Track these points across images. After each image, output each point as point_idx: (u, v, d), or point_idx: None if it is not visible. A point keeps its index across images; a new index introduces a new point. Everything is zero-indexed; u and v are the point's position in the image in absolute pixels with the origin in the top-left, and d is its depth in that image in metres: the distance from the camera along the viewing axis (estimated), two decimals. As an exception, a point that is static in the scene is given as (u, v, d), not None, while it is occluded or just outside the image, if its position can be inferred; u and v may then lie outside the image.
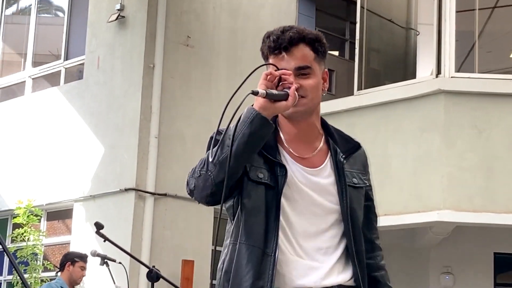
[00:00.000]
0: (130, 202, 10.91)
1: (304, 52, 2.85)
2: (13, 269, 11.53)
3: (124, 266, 6.61)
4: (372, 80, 12.35)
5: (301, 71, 2.85)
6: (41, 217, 11.80)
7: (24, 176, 12.28)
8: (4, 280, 12.39)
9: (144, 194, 10.96)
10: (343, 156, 3.02)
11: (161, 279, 5.69)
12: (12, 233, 11.39)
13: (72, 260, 7.65)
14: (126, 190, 10.93)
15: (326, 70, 2.95)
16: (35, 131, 12.42)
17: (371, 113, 11.20)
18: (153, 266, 5.86)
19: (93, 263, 7.77)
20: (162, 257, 10.84)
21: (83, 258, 7.60)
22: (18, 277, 11.17)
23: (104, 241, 6.01)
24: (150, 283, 5.86)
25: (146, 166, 11.03)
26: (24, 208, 11.43)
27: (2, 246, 3.18)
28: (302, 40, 2.85)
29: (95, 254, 7.08)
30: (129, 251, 10.51)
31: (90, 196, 11.45)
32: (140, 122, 10.98)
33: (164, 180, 11.09)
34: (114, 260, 6.72)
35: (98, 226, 6.06)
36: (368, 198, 3.12)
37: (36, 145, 12.33)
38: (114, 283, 6.96)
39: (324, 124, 3.11)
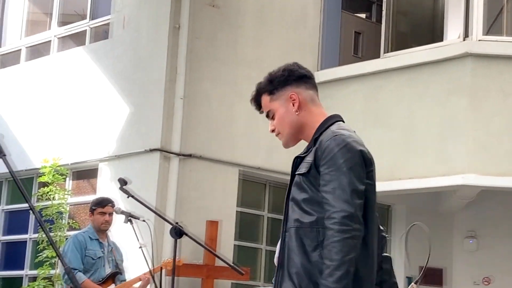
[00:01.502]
0: (155, 162, 10.99)
1: (263, 102, 3.52)
2: (39, 227, 11.73)
3: (149, 224, 6.64)
4: (399, 42, 12.33)
5: (268, 116, 3.53)
6: (66, 176, 11.92)
7: (50, 135, 12.38)
8: (30, 238, 12.58)
9: (169, 155, 11.02)
10: (301, 156, 3.38)
11: (185, 236, 5.68)
12: (38, 191, 11.52)
13: (91, 209, 7.71)
14: (151, 150, 11.00)
15: (291, 93, 3.42)
16: (61, 91, 12.51)
17: (397, 76, 11.21)
18: (176, 223, 5.88)
19: (118, 221, 7.82)
20: (187, 217, 10.92)
21: (101, 203, 7.58)
22: (44, 235, 11.39)
23: (128, 197, 6.04)
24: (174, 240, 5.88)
25: (172, 127, 11.08)
26: (50, 167, 11.56)
27: (28, 203, 3.25)
28: (259, 95, 3.53)
29: (119, 211, 7.12)
30: (152, 221, 10.68)
31: (115, 156, 11.54)
32: (166, 83, 11.02)
33: (189, 141, 11.15)
34: (138, 218, 6.76)
35: (122, 182, 6.08)
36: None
37: (62, 105, 12.42)
38: (138, 241, 6.98)
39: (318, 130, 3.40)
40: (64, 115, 12.33)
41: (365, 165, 3.23)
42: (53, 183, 11.55)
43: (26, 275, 12.54)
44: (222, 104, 11.27)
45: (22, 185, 3.22)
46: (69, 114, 12.28)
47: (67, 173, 11.87)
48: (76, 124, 12.13)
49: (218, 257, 8.40)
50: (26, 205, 12.34)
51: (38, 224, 11.65)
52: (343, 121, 3.47)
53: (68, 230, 11.57)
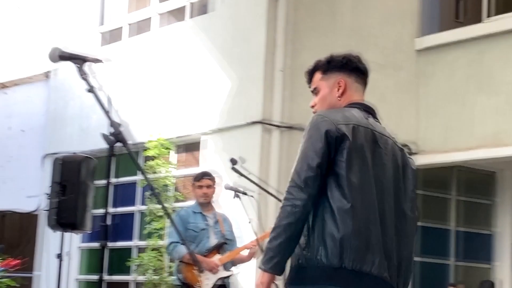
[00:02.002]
0: (256, 134, 11.08)
1: (315, 78, 3.79)
2: (146, 199, 12.06)
3: (255, 198, 6.71)
4: (503, 5, 12.01)
5: (313, 91, 3.81)
6: (171, 149, 12.18)
7: (154, 110, 12.63)
8: (138, 210, 12.90)
9: (271, 127, 11.09)
10: None
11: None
12: (144, 165, 11.78)
13: (191, 184, 7.82)
14: (253, 123, 11.10)
15: (340, 79, 3.71)
16: (163, 66, 12.73)
17: (501, 41, 10.95)
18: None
19: (226, 196, 7.89)
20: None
21: (197, 177, 7.66)
22: (151, 207, 11.73)
23: (239, 176, 6.11)
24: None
25: (272, 99, 11.15)
26: (155, 141, 11.85)
27: (143, 175, 3.40)
28: (314, 70, 3.82)
29: (228, 187, 7.20)
30: (257, 182, 10.79)
31: (218, 129, 11.70)
32: (265, 55, 11.06)
33: (290, 113, 11.18)
34: (245, 193, 6.84)
35: (233, 162, 6.17)
36: None
37: (165, 80, 12.65)
38: (247, 215, 7.06)
39: None
40: (167, 90, 12.55)
41: (333, 142, 3.44)
42: (158, 156, 11.85)
43: (135, 246, 12.91)
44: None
45: (136, 159, 3.36)
46: (172, 89, 12.49)
47: (171, 147, 12.14)
48: (179, 98, 12.34)
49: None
50: (133, 178, 12.86)
51: (148, 196, 11.97)
52: (363, 109, 3.71)
53: (174, 202, 11.86)
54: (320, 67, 3.78)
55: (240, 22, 11.60)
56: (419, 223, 11.04)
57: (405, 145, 10.80)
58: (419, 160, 11.61)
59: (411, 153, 11.57)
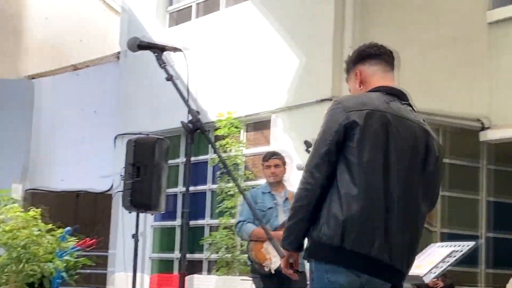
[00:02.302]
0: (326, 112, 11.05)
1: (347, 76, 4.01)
2: (217, 178, 12.16)
3: None
4: None
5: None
6: (241, 128, 12.23)
7: (224, 89, 12.70)
8: (209, 189, 13.01)
9: (340, 104, 11.05)
10: None
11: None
12: (215, 144, 11.84)
13: (261, 164, 7.82)
14: (322, 100, 11.05)
15: (356, 71, 3.91)
16: (231, 46, 12.78)
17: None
18: None
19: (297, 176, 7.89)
20: None
21: (265, 157, 7.64)
22: (222, 186, 11.83)
23: None
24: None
25: (342, 76, 11.06)
26: (225, 120, 11.91)
27: (216, 153, 3.43)
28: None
29: (299, 168, 7.17)
30: None
31: (287, 107, 11.71)
32: (334, 32, 11.00)
33: (359, 90, 11.14)
34: None
35: (307, 144, 6.15)
36: None
37: (233, 59, 12.69)
38: None
39: None
40: (236, 70, 12.60)
41: (342, 130, 3.60)
42: (228, 136, 11.91)
43: (207, 224, 13.04)
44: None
45: (214, 143, 3.41)
46: (241, 68, 12.53)
47: (241, 126, 12.19)
48: (248, 77, 12.37)
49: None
50: (204, 157, 12.95)
51: (219, 175, 12.07)
52: (386, 92, 3.78)
53: (244, 181, 11.92)
54: (345, 71, 4.06)
55: (308, -1, 11.59)
56: (491, 199, 10.89)
57: (478, 120, 10.70)
58: (492, 135, 11.47)
59: (483, 128, 11.49)
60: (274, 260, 6.95)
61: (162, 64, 3.66)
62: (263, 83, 12.06)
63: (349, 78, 3.98)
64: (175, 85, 3.51)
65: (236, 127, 12.07)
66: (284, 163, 7.56)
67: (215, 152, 3.20)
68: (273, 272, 6.97)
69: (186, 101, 3.41)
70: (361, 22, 11.01)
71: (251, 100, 12.19)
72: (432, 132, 3.81)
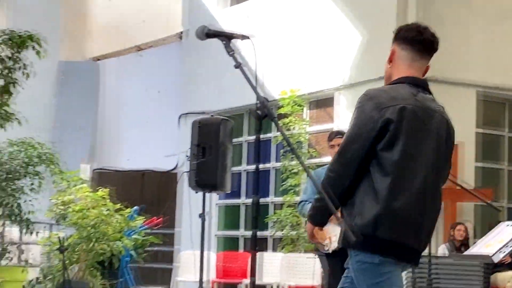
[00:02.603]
0: (389, 89, 11.01)
1: None
2: (281, 156, 12.19)
3: None
4: None
5: None
6: (304, 106, 12.25)
7: (287, 67, 12.73)
8: (273, 167, 13.08)
9: (405, 80, 10.99)
10: None
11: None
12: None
13: (327, 144, 7.79)
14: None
15: (392, 48, 3.97)
16: (294, 23, 12.78)
17: None
18: None
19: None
20: None
21: (329, 137, 7.59)
22: (286, 165, 11.87)
23: None
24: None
25: (405, 52, 11.03)
26: (288, 98, 11.94)
27: (280, 132, 3.43)
28: None
29: None
30: None
31: (350, 84, 11.68)
32: (397, 7, 10.95)
33: (424, 65, 11.06)
34: None
35: None
36: None
37: (296, 37, 12.71)
38: None
39: None
40: (298, 47, 12.60)
41: (377, 126, 3.65)
42: (292, 113, 11.94)
43: (272, 202, 13.12)
44: (456, 24, 11.01)
45: (278, 123, 3.43)
46: (303, 45, 12.53)
47: (304, 104, 12.21)
48: (310, 55, 12.38)
49: (457, 184, 8.38)
50: (268, 135, 13.00)
51: (282, 154, 12.12)
52: (412, 84, 3.81)
53: (308, 159, 11.95)
54: None
55: (371, -25, 11.53)
56: None
57: None
58: None
59: None
60: (333, 239, 6.95)
61: (230, 51, 3.70)
62: (326, 61, 12.06)
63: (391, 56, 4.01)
64: (244, 72, 3.53)
65: (299, 105, 12.09)
66: None
67: (280, 133, 3.21)
68: (330, 251, 7.00)
69: (254, 88, 3.42)
70: (424, -2, 10.93)
71: (314, 77, 12.21)
72: (449, 119, 3.92)
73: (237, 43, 3.77)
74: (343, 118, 11.72)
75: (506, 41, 11.34)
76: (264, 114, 3.46)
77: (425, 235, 3.82)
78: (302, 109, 12.25)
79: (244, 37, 3.69)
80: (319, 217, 3.94)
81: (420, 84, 3.85)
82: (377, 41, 11.27)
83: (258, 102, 3.41)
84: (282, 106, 12.01)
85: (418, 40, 3.88)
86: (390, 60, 3.93)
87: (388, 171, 3.64)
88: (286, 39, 12.86)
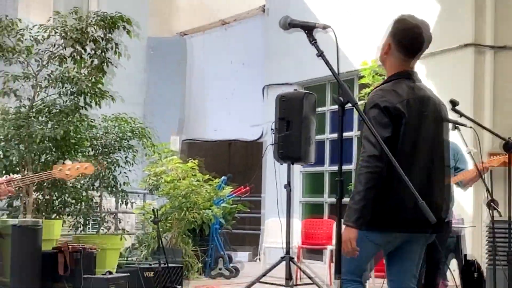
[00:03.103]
0: (468, 57, 10.97)
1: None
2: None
3: (474, 131, 6.56)
4: None
5: None
6: (384, 76, 12.25)
7: (367, 38, 12.74)
8: (355, 135, 13.17)
9: (484, 48, 10.93)
10: None
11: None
12: (359, 93, 11.97)
13: None
14: (465, 45, 10.98)
15: (389, 42, 4.33)
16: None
17: None
18: (509, 138, 5.75)
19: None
20: (504, 110, 10.84)
21: None
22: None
23: (460, 116, 6.05)
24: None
25: (484, 20, 10.94)
26: (369, 68, 11.98)
27: (361, 116, 3.61)
28: None
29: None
30: (471, 106, 10.69)
31: (430, 53, 11.46)
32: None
33: (503, 34, 10.95)
34: (464, 125, 6.72)
35: (453, 104, 6.12)
36: None
37: (375, 7, 12.78)
38: (467, 146, 6.93)
39: None
40: (377, 18, 12.57)
41: (393, 119, 4.04)
42: (373, 83, 11.98)
43: (354, 169, 13.22)
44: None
45: (360, 110, 3.60)
46: (382, 16, 12.44)
47: (385, 73, 12.19)
48: (384, 26, 12.33)
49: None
50: (349, 105, 13.06)
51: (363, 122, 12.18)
52: (407, 77, 4.26)
53: None
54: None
55: None
56: None
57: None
58: None
59: None
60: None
61: (312, 41, 3.87)
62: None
63: (386, 37, 4.37)
64: (326, 61, 3.71)
65: (380, 75, 12.08)
66: None
67: (360, 116, 3.36)
68: None
69: (336, 76, 3.61)
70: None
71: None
72: (439, 99, 4.34)
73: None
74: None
75: None
76: (346, 100, 3.64)
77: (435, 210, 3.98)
78: (383, 78, 12.22)
79: (325, 26, 3.87)
80: (364, 219, 4.18)
81: (413, 77, 4.28)
82: (455, 9, 11.29)
83: (340, 89, 3.59)
84: (363, 76, 12.08)
85: (412, 49, 4.26)
86: (386, 53, 4.34)
87: (401, 161, 3.78)
88: (365, 10, 12.92)
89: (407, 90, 4.16)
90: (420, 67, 11.66)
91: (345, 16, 13.30)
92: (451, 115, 8.15)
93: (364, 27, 12.86)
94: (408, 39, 4.23)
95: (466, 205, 10.42)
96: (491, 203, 5.93)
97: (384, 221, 4.12)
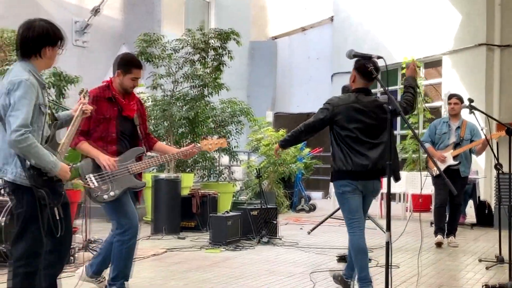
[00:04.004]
0: (482, 54, 10.90)
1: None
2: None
3: (487, 115, 6.27)
4: None
5: None
6: (421, 66, 12.21)
7: (407, 38, 12.68)
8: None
9: (493, 47, 10.84)
10: None
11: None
12: (402, 80, 11.88)
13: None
14: (479, 45, 10.89)
15: (354, 74, 4.39)
16: (414, 4, 12.65)
17: None
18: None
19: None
20: (509, 93, 10.69)
21: (449, 97, 7.39)
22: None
23: (471, 110, 5.87)
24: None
25: (494, 26, 10.82)
26: (409, 61, 11.82)
27: (401, 116, 3.74)
28: None
29: (464, 106, 6.65)
30: (483, 91, 10.56)
31: (453, 50, 11.59)
32: (486, -6, 10.76)
33: (507, 35, 10.84)
34: (478, 110, 6.35)
35: (470, 100, 5.95)
36: None
37: (414, 15, 12.59)
38: (479, 125, 6.78)
39: None
40: (414, 23, 12.55)
41: (329, 115, 4.32)
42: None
43: (399, 134, 13.17)
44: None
45: (404, 117, 3.70)
46: (417, 20, 12.49)
47: (420, 65, 12.16)
48: (423, 27, 12.30)
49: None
50: (394, 87, 13.00)
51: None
52: (357, 92, 4.33)
53: (424, 103, 11.89)
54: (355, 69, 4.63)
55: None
56: None
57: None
58: None
59: None
60: (434, 168, 7.01)
61: (370, 67, 4.03)
62: (435, 33, 11.98)
63: (352, 72, 4.45)
64: (381, 83, 3.84)
65: (418, 66, 12.02)
66: (461, 101, 7.18)
67: (401, 117, 3.50)
68: (434, 174, 7.14)
69: (387, 93, 3.73)
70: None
71: (427, 46, 12.16)
72: (383, 103, 4.21)
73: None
74: (448, 76, 11.67)
75: None
76: (394, 109, 3.74)
77: (376, 166, 4.34)
78: (420, 68, 12.17)
79: (379, 57, 4.01)
80: (287, 145, 4.85)
81: (363, 91, 4.34)
82: (472, 18, 11.16)
83: (388, 101, 3.71)
84: (404, 68, 12.02)
85: (368, 78, 4.30)
86: (353, 81, 4.40)
87: (349, 143, 4.28)
88: (404, 14, 12.79)
89: (351, 99, 4.33)
90: (447, 60, 11.71)
91: (391, 19, 13.21)
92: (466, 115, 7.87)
93: (405, 28, 12.73)
94: (366, 72, 4.24)
95: (480, 164, 10.40)
96: (497, 165, 5.91)
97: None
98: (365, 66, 4.18)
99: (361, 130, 4.29)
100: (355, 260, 4.38)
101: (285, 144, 4.79)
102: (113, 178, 4.18)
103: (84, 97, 3.77)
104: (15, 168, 3.32)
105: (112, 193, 4.15)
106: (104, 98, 4.28)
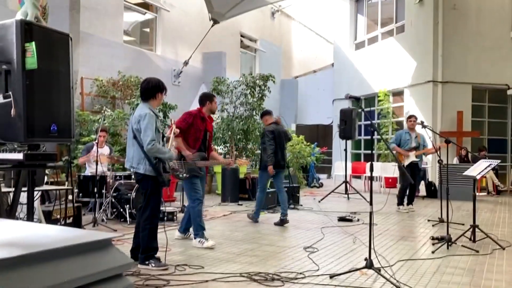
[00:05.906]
0: (429, 88, 10.40)
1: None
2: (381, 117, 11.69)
3: (433, 130, 5.96)
4: None
5: None
6: (389, 95, 11.72)
7: (381, 74, 12.10)
8: (376, 123, 12.66)
9: (437, 83, 10.34)
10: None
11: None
12: (378, 105, 11.52)
13: (406, 119, 7.14)
14: (428, 81, 10.42)
15: (267, 118, 5.80)
16: (381, 51, 12.04)
17: None
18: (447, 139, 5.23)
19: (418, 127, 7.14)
20: (447, 117, 10.25)
21: (408, 117, 7.00)
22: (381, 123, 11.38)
23: (423, 126, 5.66)
24: None
25: (437, 67, 10.34)
26: (382, 92, 11.50)
27: (376, 131, 3.56)
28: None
29: (419, 123, 6.24)
30: (431, 114, 10.04)
31: (411, 84, 11.10)
32: (433, 45, 10.24)
33: (446, 74, 10.32)
34: (426, 126, 6.10)
35: (422, 122, 5.73)
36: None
37: (383, 59, 11.96)
38: (429, 137, 6.58)
39: None
40: (387, 64, 11.98)
41: (274, 136, 5.55)
42: (384, 99, 11.48)
43: (377, 138, 12.84)
44: None
45: (379, 131, 3.50)
46: (389, 63, 11.90)
47: (389, 94, 11.65)
48: (392, 68, 11.68)
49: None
50: (373, 108, 12.55)
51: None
52: (274, 124, 5.64)
53: (393, 119, 11.47)
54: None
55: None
56: None
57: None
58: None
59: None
60: (405, 160, 6.82)
61: (360, 109, 3.71)
62: (399, 73, 11.55)
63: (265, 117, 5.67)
64: (374, 127, 3.39)
65: (387, 95, 11.75)
66: (416, 120, 6.92)
67: (375, 131, 3.22)
68: (405, 165, 6.92)
69: (378, 131, 3.45)
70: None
71: (394, 81, 11.75)
72: (286, 129, 5.80)
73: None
74: (407, 101, 11.28)
75: None
76: (374, 129, 3.58)
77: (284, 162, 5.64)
78: (389, 97, 11.82)
79: (359, 98, 3.84)
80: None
81: (276, 123, 5.61)
82: (423, 64, 10.71)
83: (371, 127, 3.51)
84: (379, 96, 11.72)
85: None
86: (265, 121, 5.59)
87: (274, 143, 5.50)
88: (381, 62, 12.32)
89: (275, 127, 5.53)
90: (407, 91, 11.29)
91: (371, 64, 12.77)
92: (419, 129, 7.47)
93: (380, 70, 12.14)
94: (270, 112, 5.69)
95: (430, 158, 10.05)
96: (439, 161, 5.81)
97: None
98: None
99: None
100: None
101: (272, 163, 5.47)
102: (186, 165, 4.35)
103: (172, 124, 4.24)
104: (144, 165, 3.58)
105: (185, 175, 4.24)
106: (199, 117, 4.51)
